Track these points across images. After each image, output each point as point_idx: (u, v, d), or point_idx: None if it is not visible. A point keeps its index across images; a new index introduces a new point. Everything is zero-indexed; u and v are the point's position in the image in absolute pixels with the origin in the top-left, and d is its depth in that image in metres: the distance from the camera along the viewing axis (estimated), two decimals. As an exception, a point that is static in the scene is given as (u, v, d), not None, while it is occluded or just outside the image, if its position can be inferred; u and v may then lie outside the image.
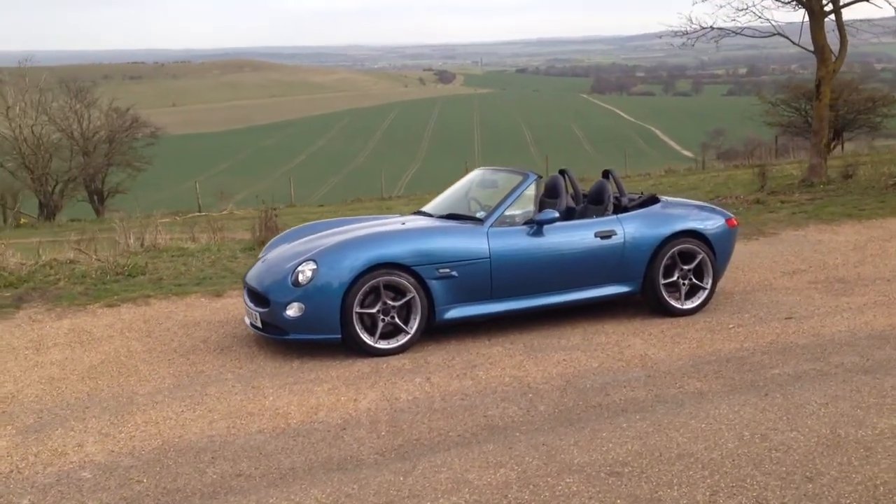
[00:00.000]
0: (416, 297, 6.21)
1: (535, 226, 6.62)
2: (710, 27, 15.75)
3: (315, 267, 6.10)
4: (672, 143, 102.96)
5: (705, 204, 7.83)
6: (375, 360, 6.07)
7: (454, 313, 6.40)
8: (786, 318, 6.80)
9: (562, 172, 7.59)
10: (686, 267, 7.02)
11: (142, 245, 11.37)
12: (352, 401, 5.30)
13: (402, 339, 6.21)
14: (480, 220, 6.63)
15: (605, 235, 6.81)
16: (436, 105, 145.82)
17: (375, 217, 7.51)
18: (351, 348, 6.16)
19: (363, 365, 5.98)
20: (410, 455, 4.41)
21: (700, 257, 7.05)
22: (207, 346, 6.64)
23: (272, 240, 7.51)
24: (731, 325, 6.69)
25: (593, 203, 7.33)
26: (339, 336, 6.07)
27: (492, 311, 6.54)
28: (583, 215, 7.28)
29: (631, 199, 7.37)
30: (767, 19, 15.63)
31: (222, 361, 6.22)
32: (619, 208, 7.22)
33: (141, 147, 36.63)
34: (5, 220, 29.08)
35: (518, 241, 6.56)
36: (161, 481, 4.20)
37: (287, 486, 4.09)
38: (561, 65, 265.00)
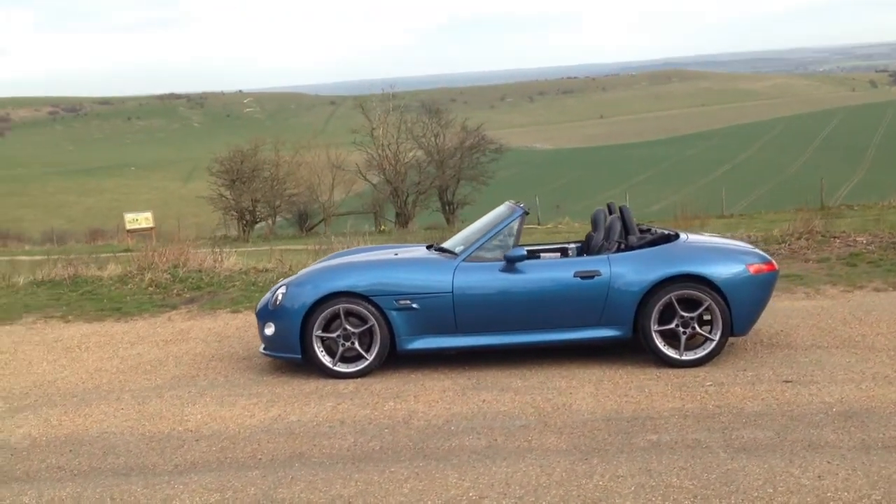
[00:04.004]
0: (376, 325, 6.50)
1: (506, 262, 6.51)
2: None
3: (285, 291, 6.70)
4: None
5: (737, 245, 6.88)
6: (327, 381, 6.48)
7: (417, 344, 6.56)
8: (784, 382, 5.88)
9: (620, 209, 7.23)
10: (687, 314, 6.34)
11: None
12: (249, 416, 5.82)
13: (361, 365, 6.54)
14: (456, 255, 6.70)
15: (587, 276, 6.43)
16: (888, 110, 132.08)
17: (394, 246, 7.81)
18: (315, 369, 6.64)
19: (313, 385, 6.43)
20: (182, 471, 4.87)
21: (706, 304, 6.32)
22: (235, 357, 7.47)
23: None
24: (708, 383, 5.96)
25: (606, 240, 6.92)
26: (300, 356, 6.59)
27: (457, 346, 6.57)
28: (598, 252, 6.92)
29: (642, 237, 6.82)
30: None
31: (220, 370, 7.04)
32: (627, 247, 6.74)
33: (486, 162, 39.18)
34: (376, 227, 33.18)
35: (485, 278, 6.50)
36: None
37: (43, 482, 4.84)
38: None
